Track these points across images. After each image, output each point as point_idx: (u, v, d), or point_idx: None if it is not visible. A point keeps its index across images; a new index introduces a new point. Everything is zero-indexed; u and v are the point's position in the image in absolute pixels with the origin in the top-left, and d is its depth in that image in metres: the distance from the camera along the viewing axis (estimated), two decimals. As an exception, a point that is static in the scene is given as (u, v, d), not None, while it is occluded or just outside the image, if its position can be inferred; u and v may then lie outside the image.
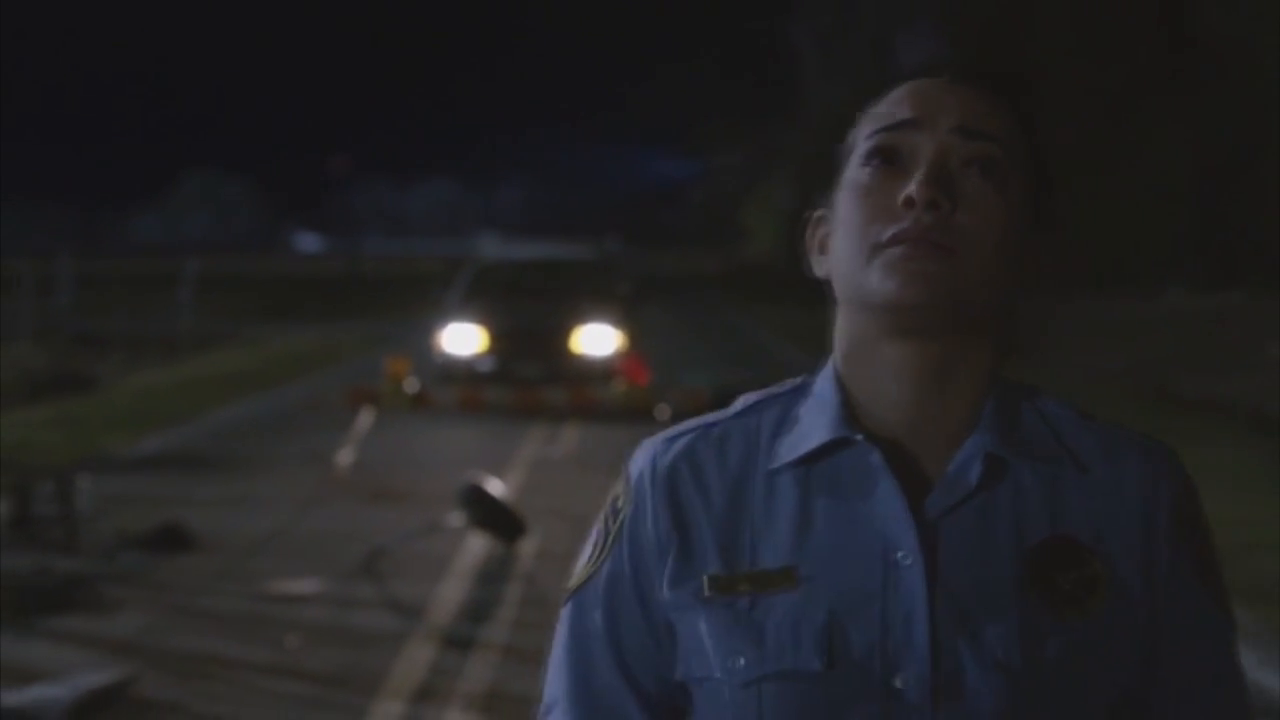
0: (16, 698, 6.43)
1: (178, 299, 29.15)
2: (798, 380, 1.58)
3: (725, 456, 1.53)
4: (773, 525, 1.49)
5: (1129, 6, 29.80)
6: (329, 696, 6.72)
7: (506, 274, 20.18)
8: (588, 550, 1.58)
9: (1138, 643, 1.47)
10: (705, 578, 1.49)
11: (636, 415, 13.80)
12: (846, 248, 1.49)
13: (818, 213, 1.57)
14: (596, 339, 18.26)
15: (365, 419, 13.69)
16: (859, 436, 1.49)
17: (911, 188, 1.45)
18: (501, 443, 14.31)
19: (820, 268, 1.56)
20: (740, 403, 1.57)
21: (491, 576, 8.91)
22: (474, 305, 18.56)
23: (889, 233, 1.45)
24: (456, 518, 9.55)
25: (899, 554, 1.45)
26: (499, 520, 9.37)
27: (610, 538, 1.55)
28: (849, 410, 1.50)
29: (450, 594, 8.50)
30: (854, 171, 1.51)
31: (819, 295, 1.57)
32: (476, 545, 9.51)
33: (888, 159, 1.49)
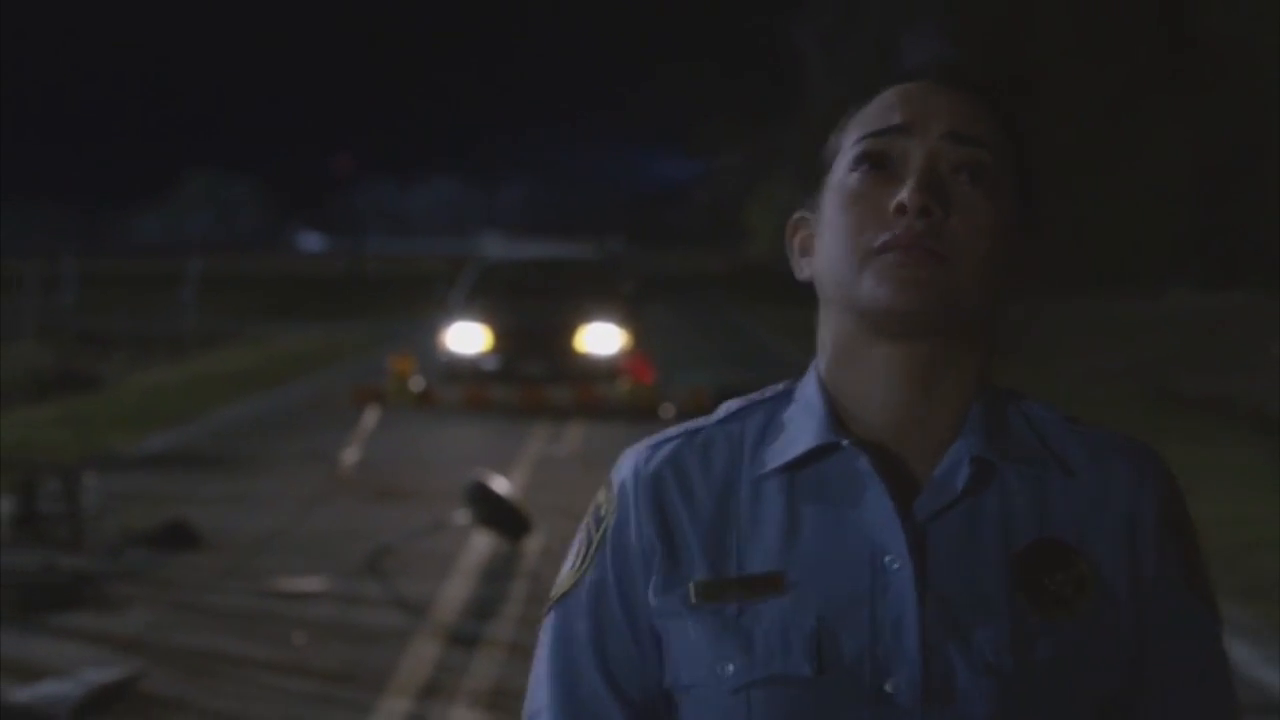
0: (24, 694, 6.46)
1: (181, 298, 29.12)
2: (780, 386, 1.57)
3: (710, 463, 1.52)
4: (759, 531, 1.48)
5: (1129, 6, 29.77)
6: (335, 693, 6.75)
7: (511, 273, 20.14)
8: (571, 558, 1.56)
9: (1125, 644, 1.47)
10: (692, 584, 1.48)
11: (641, 413, 13.86)
12: (836, 253, 1.48)
13: (798, 215, 1.57)
14: (601, 338, 18.30)
15: (370, 417, 13.73)
16: (846, 441, 1.48)
17: (903, 194, 1.45)
18: (506, 441, 14.34)
19: (803, 270, 1.55)
20: (723, 409, 1.56)
21: (497, 574, 8.94)
22: (478, 304, 18.58)
23: (881, 239, 1.45)
24: (462, 515, 9.57)
25: (888, 558, 1.44)
26: (504, 518, 9.39)
27: (594, 546, 1.54)
28: (835, 415, 1.49)
29: (456, 591, 8.52)
30: (842, 176, 1.50)
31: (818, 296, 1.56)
32: (482, 543, 9.53)
33: (877, 164, 1.48)
